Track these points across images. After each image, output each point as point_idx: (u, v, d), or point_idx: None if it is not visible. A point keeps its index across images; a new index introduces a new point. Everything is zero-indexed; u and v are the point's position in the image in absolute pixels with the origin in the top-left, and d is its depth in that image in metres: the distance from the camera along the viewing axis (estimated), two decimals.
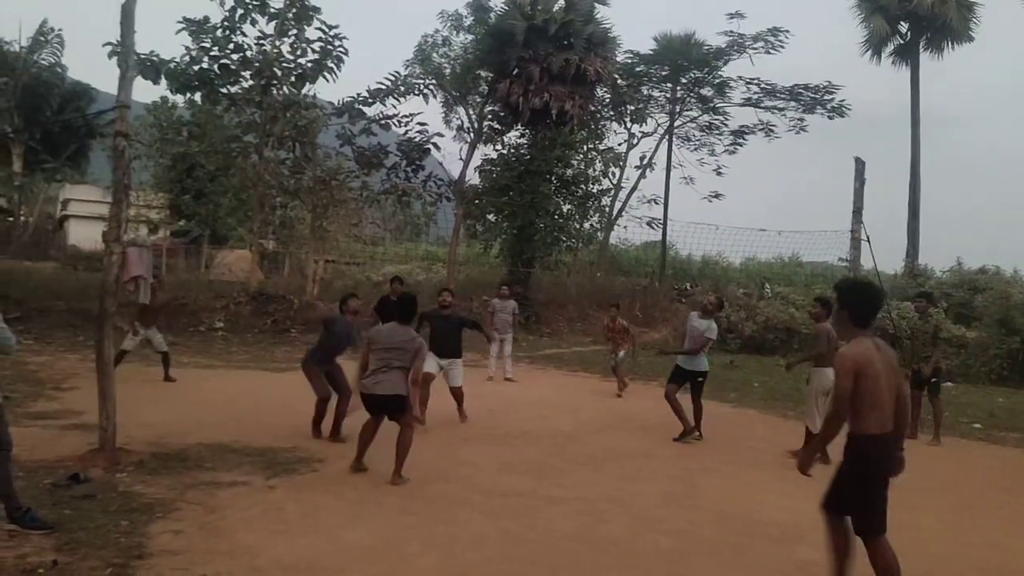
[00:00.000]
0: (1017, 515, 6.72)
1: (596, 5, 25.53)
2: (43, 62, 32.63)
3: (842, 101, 28.92)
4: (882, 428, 4.07)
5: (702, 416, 9.34)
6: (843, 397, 4.04)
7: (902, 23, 31.36)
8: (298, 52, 19.02)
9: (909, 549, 5.55)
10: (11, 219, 35.71)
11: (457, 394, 9.57)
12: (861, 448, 4.10)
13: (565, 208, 25.49)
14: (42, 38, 32.56)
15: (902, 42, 31.73)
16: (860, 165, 11.08)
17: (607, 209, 29.29)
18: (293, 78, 19.19)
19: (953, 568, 5.24)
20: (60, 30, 33.13)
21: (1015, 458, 9.46)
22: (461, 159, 25.56)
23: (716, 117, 30.94)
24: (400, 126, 20.90)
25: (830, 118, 29.36)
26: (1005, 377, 16.52)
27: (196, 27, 18.13)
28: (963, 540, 5.86)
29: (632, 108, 30.05)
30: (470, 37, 26.47)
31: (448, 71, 26.57)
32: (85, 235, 36.32)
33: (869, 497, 4.12)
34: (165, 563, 4.40)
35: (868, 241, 11.05)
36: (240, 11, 18.24)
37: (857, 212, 10.98)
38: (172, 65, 18.02)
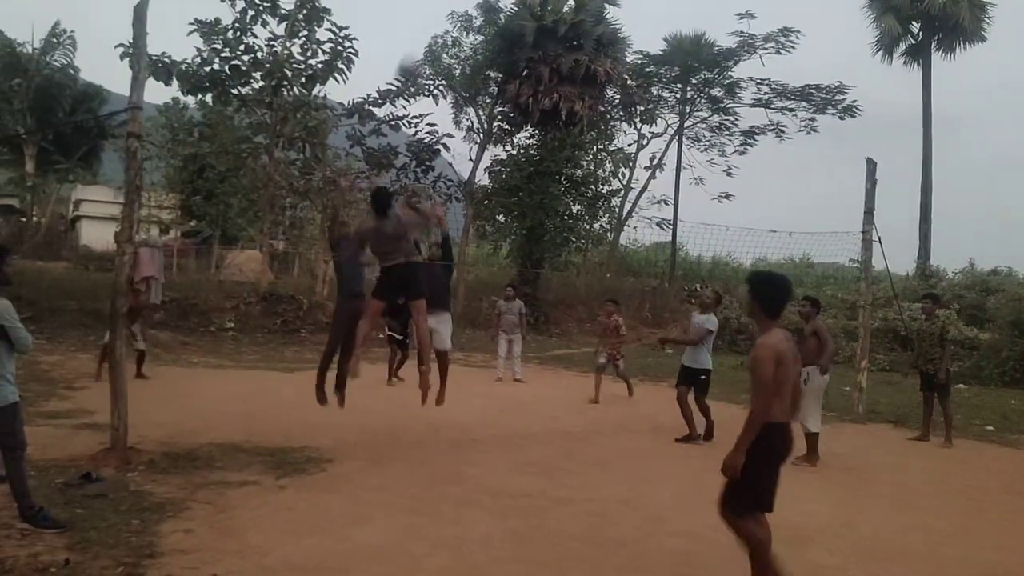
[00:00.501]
0: None
1: (606, 6, 25.54)
2: (55, 63, 32.85)
3: (853, 101, 28.83)
4: (786, 417, 4.16)
5: (710, 414, 9.28)
6: (769, 386, 4.04)
7: (913, 23, 31.21)
8: (308, 53, 19.11)
9: (921, 551, 5.53)
10: (24, 219, 35.94)
11: (443, 360, 8.22)
12: (769, 436, 4.11)
13: (575, 209, 25.48)
14: (54, 40, 32.77)
15: (914, 42, 31.57)
16: (871, 166, 11.01)
17: (617, 210, 29.28)
18: (303, 79, 19.27)
19: (964, 571, 5.20)
20: (72, 32, 33.36)
21: None
22: (471, 160, 25.64)
23: (726, 118, 30.89)
24: (410, 127, 20.99)
25: (841, 118, 29.27)
26: (1018, 379, 16.40)
27: (207, 28, 18.24)
28: (975, 543, 5.81)
29: (642, 109, 30.01)
30: (480, 38, 26.50)
31: (458, 72, 26.61)
32: (97, 235, 36.53)
33: (764, 481, 4.17)
34: (176, 562, 4.42)
35: (880, 242, 10.98)
36: (251, 12, 18.34)
37: (868, 213, 10.91)
38: (183, 66, 18.14)
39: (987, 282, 22.64)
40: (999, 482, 8.02)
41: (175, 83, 18.36)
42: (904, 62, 31.82)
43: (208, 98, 19.77)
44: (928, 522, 6.28)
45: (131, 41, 7.25)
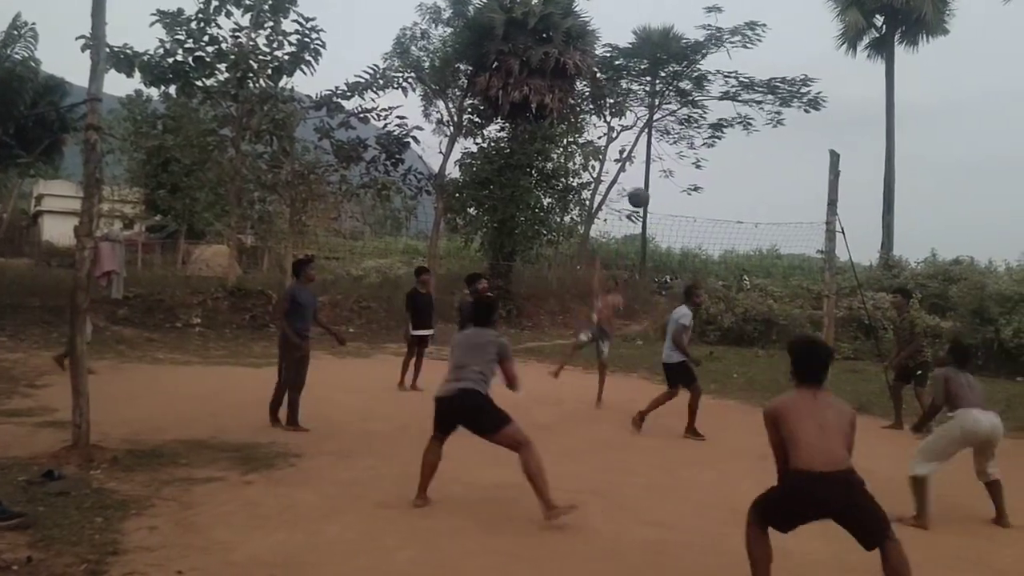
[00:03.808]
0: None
1: None
2: (16, 56, 32.07)
3: (818, 94, 29.27)
4: (809, 464, 4.04)
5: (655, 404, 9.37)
6: (775, 449, 4.28)
7: (877, 16, 31.62)
8: (274, 45, 18.82)
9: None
10: None
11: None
12: (788, 480, 4.23)
13: (545, 202, 25.47)
14: (15, 32, 31.97)
15: (877, 35, 31.98)
16: (835, 157, 11.14)
17: (587, 202, 29.35)
18: (270, 71, 18.98)
19: (938, 555, 5.28)
20: (34, 24, 32.56)
21: None
22: (441, 153, 25.50)
23: (695, 110, 31.14)
24: (379, 119, 20.81)
25: (806, 111, 29.67)
26: (980, 367, 16.69)
27: (170, 19, 17.87)
28: (946, 529, 5.93)
29: (611, 101, 30.12)
30: (449, 30, 26.37)
31: (427, 64, 26.46)
32: (59, 231, 35.72)
33: (778, 502, 4.28)
34: (140, 559, 4.35)
35: (843, 233, 11.12)
36: (215, 3, 18.01)
37: (832, 204, 11.04)
38: (146, 58, 17.78)
39: (949, 271, 23.03)
40: (966, 468, 8.16)
41: (137, 75, 17.99)
42: (868, 55, 32.25)
43: (172, 90, 19.40)
44: (896, 509, 6.36)
45: (91, 32, 7.07)
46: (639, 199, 14.35)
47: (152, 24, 17.84)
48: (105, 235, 13.75)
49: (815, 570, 4.89)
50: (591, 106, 29.70)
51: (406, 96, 24.49)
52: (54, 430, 7.30)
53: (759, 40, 28.44)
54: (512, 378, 6.06)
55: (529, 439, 5.66)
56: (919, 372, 10.17)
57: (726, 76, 29.26)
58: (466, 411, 5.76)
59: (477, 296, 6.81)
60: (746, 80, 29.18)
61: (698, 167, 31.55)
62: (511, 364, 6.06)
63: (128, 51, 17.60)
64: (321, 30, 18.70)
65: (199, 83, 18.71)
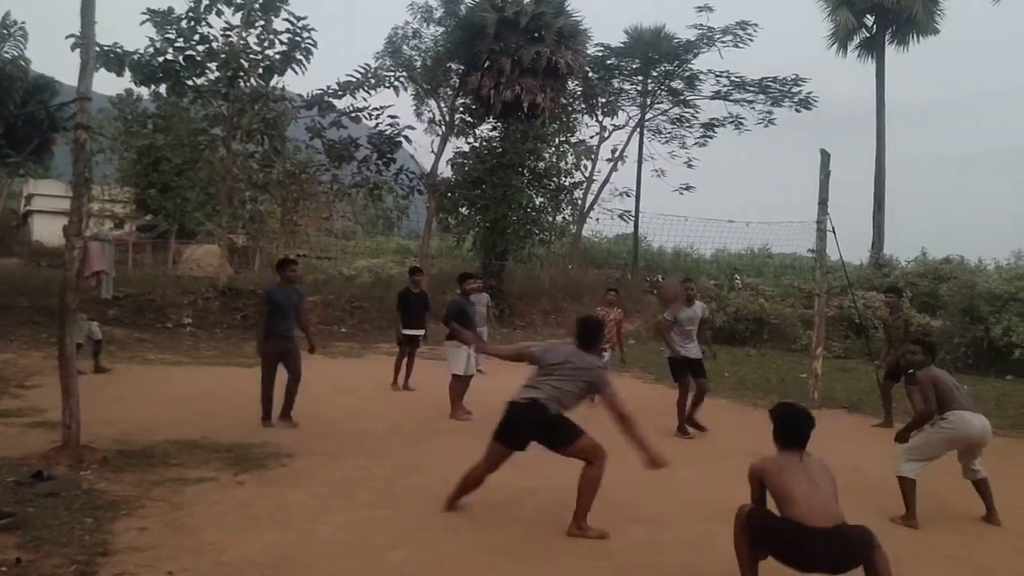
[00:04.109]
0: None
1: None
2: (6, 55, 31.89)
3: (809, 93, 29.36)
4: (804, 519, 4.07)
5: (682, 405, 9.45)
6: (752, 499, 4.48)
7: (868, 16, 31.75)
8: (265, 43, 18.77)
9: (884, 540, 5.64)
10: None
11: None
12: (781, 526, 4.22)
13: (537, 201, 25.47)
14: (5, 31, 31.79)
15: (868, 35, 32.12)
16: (825, 157, 11.20)
17: (579, 202, 29.38)
18: (260, 70, 18.93)
19: (929, 554, 5.31)
20: (23, 23, 32.41)
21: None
22: (433, 152, 25.48)
23: (686, 110, 31.22)
24: (371, 119, 20.80)
25: (797, 111, 29.77)
26: (970, 365, 16.81)
27: (160, 18, 17.81)
28: (936, 528, 5.96)
29: (603, 101, 30.15)
30: (440, 29, 26.35)
31: (419, 63, 26.43)
32: (49, 231, 35.60)
33: (773, 535, 4.23)
34: (130, 560, 4.33)
35: (834, 232, 11.19)
36: (205, 2, 17.96)
37: (822, 203, 11.11)
38: (136, 57, 17.71)
39: (939, 270, 23.16)
40: (956, 467, 8.20)
41: (127, 74, 17.91)
42: (859, 55, 32.38)
43: (162, 89, 19.32)
44: (886, 507, 6.40)
45: (81, 31, 7.03)
46: (667, 293, 11.04)
47: (142, 23, 17.79)
48: (95, 235, 13.70)
49: None
50: (583, 105, 29.72)
51: (398, 95, 24.42)
52: (44, 431, 7.27)
53: (750, 40, 28.53)
54: (620, 418, 5.43)
55: (605, 452, 5.38)
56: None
57: (717, 76, 29.36)
58: (535, 423, 5.31)
59: (584, 316, 6.01)
60: (737, 80, 29.27)
61: (690, 166, 31.66)
62: (613, 401, 5.42)
63: (118, 50, 17.52)
64: (312, 29, 18.69)
65: (190, 82, 18.64)
